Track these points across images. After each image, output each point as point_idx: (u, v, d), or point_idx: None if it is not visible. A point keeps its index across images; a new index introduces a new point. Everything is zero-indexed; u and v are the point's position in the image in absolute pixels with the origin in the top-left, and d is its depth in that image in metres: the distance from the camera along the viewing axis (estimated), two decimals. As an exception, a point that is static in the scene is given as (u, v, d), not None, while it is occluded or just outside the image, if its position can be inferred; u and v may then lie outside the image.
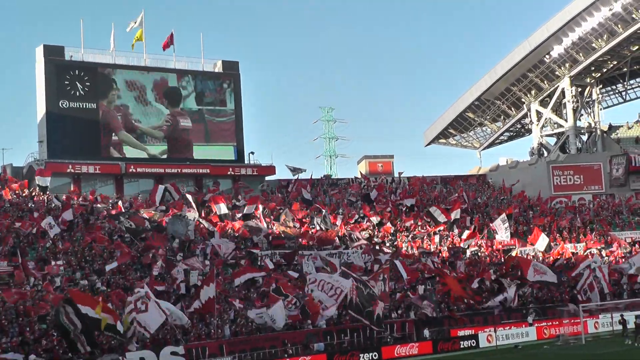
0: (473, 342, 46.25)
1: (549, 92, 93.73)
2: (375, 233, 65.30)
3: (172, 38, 77.03)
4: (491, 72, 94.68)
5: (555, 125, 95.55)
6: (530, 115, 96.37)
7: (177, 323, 38.45)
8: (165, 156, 75.71)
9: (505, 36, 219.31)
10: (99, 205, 60.55)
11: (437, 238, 65.88)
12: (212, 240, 54.42)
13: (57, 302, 36.35)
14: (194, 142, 77.66)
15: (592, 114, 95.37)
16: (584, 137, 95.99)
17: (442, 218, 68.30)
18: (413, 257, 59.13)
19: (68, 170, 69.29)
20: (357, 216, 69.16)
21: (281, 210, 65.72)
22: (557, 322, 50.42)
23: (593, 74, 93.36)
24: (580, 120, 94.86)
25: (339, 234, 61.88)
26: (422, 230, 67.26)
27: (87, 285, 43.19)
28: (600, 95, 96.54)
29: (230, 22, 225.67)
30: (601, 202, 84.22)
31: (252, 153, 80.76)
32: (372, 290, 43.44)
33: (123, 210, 58.98)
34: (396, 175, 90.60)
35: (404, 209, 72.81)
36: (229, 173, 78.02)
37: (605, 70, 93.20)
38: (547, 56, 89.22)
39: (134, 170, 72.74)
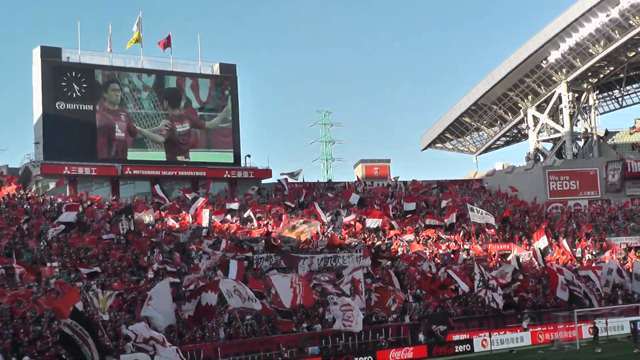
0: (468, 347, 46.24)
1: (545, 97, 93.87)
2: (372, 237, 65.22)
3: (169, 39, 77.05)
4: (488, 77, 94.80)
5: (552, 131, 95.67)
6: (526, 120, 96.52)
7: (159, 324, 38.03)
8: (161, 158, 75.65)
9: (502, 41, 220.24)
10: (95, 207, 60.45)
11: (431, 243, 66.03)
12: (206, 243, 54.40)
13: (51, 304, 36.25)
14: (190, 144, 77.65)
15: (588, 120, 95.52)
16: (580, 143, 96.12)
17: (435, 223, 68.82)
18: (410, 260, 59.05)
19: (64, 172, 69.22)
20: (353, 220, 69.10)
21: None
22: (551, 327, 50.43)
23: (590, 80, 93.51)
24: (576, 125, 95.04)
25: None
26: (418, 237, 67.37)
27: (82, 286, 43.07)
28: (596, 101, 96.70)
29: (228, 25, 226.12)
30: (597, 208, 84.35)
31: (249, 156, 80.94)
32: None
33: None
34: (391, 179, 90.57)
35: (398, 213, 72.74)
36: (225, 176, 78.01)
37: (602, 76, 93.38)
38: (544, 61, 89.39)
39: (130, 173, 72.71)
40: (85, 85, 72.61)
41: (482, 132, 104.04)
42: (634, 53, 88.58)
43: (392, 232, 66.40)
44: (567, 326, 49.72)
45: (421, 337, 45.79)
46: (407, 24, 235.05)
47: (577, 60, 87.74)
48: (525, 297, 53.76)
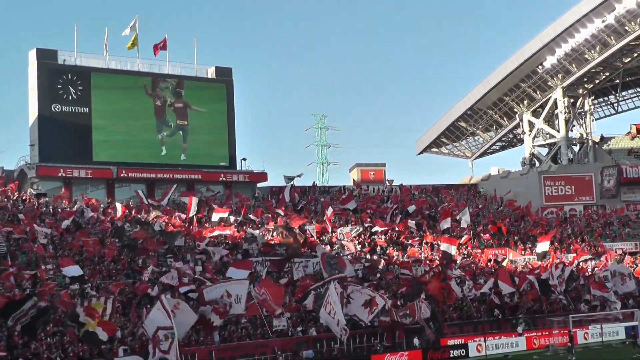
0: (463, 352, 46.25)
1: (541, 102, 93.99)
2: (367, 241, 65.24)
3: (165, 42, 77.04)
4: (484, 82, 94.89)
5: (547, 136, 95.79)
6: (522, 125, 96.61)
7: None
8: (157, 161, 75.59)
9: (498, 46, 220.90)
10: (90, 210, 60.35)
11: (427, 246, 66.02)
12: (204, 246, 54.38)
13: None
14: (186, 147, 77.62)
15: (584, 125, 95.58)
16: (576, 148, 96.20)
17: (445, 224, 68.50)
18: (406, 265, 59.02)
19: (59, 174, 69.10)
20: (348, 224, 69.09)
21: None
22: (546, 333, 50.44)
23: (585, 85, 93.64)
24: (572, 131, 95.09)
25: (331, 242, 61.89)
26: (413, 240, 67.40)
27: (77, 289, 43.00)
28: (592, 107, 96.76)
29: (224, 29, 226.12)
30: (592, 213, 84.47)
31: (244, 159, 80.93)
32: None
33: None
34: (386, 183, 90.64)
35: (396, 218, 72.70)
36: (220, 179, 78.03)
37: (597, 81, 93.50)
38: (540, 67, 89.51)
39: (126, 175, 72.62)
40: (81, 88, 72.54)
41: (477, 136, 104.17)
42: (629, 59, 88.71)
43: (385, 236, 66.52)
44: (562, 331, 49.76)
45: (416, 341, 45.78)
46: (403, 29, 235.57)
47: (573, 65, 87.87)
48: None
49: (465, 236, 68.80)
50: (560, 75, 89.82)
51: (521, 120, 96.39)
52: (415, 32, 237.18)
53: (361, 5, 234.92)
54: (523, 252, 68.92)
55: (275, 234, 60.25)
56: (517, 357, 46.41)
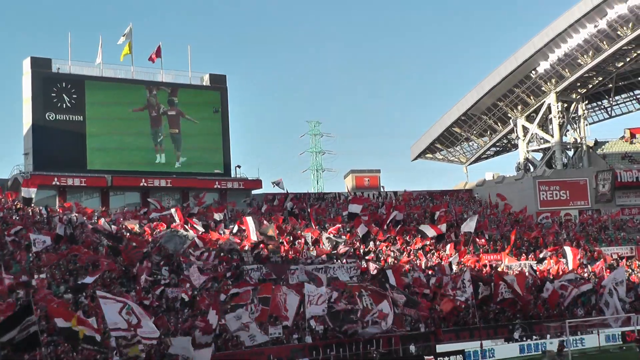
0: (460, 358, 46.08)
1: (535, 107, 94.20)
2: (362, 248, 65.11)
3: (159, 51, 77.08)
4: (478, 87, 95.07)
5: (542, 141, 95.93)
6: (516, 130, 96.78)
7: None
8: (152, 169, 75.49)
9: (492, 51, 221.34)
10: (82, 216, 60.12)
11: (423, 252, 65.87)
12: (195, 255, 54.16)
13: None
14: (180, 155, 77.57)
15: (578, 130, 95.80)
16: (570, 153, 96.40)
17: (431, 233, 68.05)
18: (400, 271, 58.83)
19: (54, 183, 68.98)
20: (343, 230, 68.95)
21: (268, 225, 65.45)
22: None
23: (579, 90, 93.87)
24: (566, 135, 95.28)
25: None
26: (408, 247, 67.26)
27: (71, 299, 42.82)
28: (586, 111, 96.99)
29: (218, 36, 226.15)
30: (587, 218, 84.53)
31: (239, 167, 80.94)
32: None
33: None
34: (381, 190, 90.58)
35: (390, 224, 72.58)
36: (215, 187, 77.96)
37: (590, 86, 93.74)
38: (534, 72, 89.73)
39: (120, 184, 72.52)
40: (75, 96, 72.48)
41: (472, 142, 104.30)
42: (622, 63, 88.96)
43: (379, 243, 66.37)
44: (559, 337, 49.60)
45: (412, 348, 45.70)
46: (396, 35, 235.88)
47: (566, 70, 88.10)
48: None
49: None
50: (553, 80, 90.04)
51: (515, 125, 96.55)
52: (409, 38, 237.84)
53: (355, 13, 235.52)
54: (518, 258, 68.80)
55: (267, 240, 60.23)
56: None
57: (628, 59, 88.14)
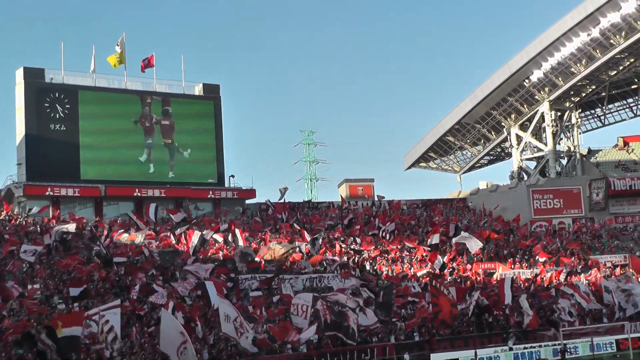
0: (454, 366, 46.08)
1: (528, 116, 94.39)
2: (355, 257, 65.05)
3: (151, 60, 77.01)
4: (471, 96, 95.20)
5: (535, 149, 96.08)
6: (510, 139, 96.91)
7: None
8: (145, 179, 75.39)
9: (485, 60, 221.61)
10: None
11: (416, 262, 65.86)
12: (188, 267, 53.92)
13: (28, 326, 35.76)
14: (174, 165, 77.48)
15: (571, 138, 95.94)
16: (564, 161, 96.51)
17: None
18: (395, 280, 58.81)
19: (47, 193, 68.82)
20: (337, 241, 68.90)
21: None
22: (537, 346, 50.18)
23: (572, 99, 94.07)
24: (559, 144, 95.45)
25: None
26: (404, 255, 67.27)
27: (64, 309, 42.59)
28: (579, 120, 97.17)
29: (211, 46, 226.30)
30: (581, 226, 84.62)
31: (233, 176, 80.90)
32: (344, 307, 43.97)
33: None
34: (375, 199, 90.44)
35: (385, 234, 72.58)
36: (209, 196, 77.85)
37: (584, 94, 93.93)
38: (527, 80, 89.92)
39: (114, 193, 72.38)
40: (68, 106, 72.38)
41: (465, 151, 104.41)
42: (615, 72, 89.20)
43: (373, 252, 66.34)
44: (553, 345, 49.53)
45: (406, 356, 45.57)
46: (390, 43, 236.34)
47: (560, 79, 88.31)
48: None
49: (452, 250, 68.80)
50: (547, 89, 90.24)
51: (509, 134, 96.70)
52: (402, 47, 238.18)
53: (349, 22, 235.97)
54: (512, 266, 68.80)
55: (271, 246, 60.14)
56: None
57: (621, 68, 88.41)
